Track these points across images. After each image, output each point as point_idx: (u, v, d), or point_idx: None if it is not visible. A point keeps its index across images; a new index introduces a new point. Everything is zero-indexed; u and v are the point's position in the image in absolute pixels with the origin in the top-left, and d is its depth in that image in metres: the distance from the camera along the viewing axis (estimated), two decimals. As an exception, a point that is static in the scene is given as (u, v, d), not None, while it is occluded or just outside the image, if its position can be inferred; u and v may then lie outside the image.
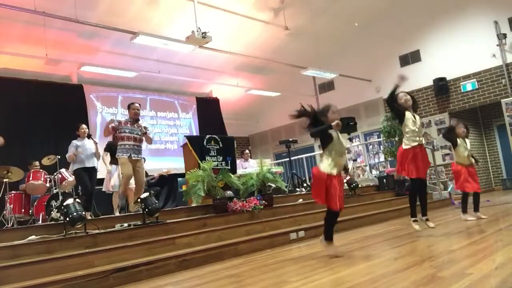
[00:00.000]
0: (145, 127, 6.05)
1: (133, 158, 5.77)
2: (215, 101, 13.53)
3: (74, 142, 6.43)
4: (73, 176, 6.61)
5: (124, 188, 5.95)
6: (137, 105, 6.04)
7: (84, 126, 6.61)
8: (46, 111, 9.25)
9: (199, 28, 7.60)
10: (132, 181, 6.03)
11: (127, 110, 6.16)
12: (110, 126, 5.85)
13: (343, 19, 11.79)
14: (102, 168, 7.29)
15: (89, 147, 6.43)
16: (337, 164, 3.65)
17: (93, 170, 6.47)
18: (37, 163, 7.35)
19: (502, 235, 3.86)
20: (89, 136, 6.53)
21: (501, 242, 3.49)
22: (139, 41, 7.89)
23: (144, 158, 8.62)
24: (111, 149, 6.82)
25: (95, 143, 6.52)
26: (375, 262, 3.27)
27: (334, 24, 11.88)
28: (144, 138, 5.97)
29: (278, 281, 2.93)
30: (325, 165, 3.63)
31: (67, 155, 6.42)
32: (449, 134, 5.50)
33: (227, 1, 9.77)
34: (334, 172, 3.60)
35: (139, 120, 6.02)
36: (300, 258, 3.88)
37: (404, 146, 4.54)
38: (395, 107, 4.56)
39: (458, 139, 5.44)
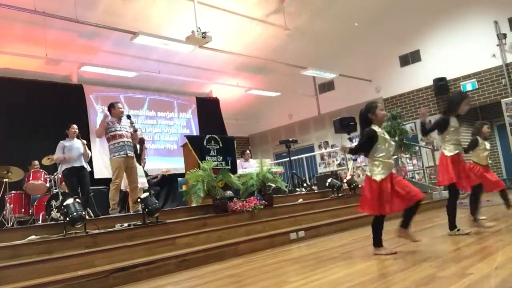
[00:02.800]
0: (131, 122, 5.95)
1: (129, 155, 5.72)
2: (215, 101, 13.53)
3: (62, 142, 6.28)
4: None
5: (116, 195, 5.75)
6: (120, 104, 6.02)
7: (75, 126, 6.43)
8: (46, 111, 9.24)
9: (199, 28, 7.60)
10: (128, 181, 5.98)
11: (108, 110, 6.01)
12: (107, 120, 5.78)
13: (343, 19, 11.79)
14: (101, 168, 7.26)
15: (77, 147, 6.29)
16: (386, 168, 3.47)
17: (82, 169, 6.28)
18: (37, 163, 7.35)
19: (502, 235, 3.86)
20: (78, 137, 6.39)
21: (501, 242, 3.49)
22: (139, 41, 7.89)
23: (144, 158, 8.64)
24: None
25: (84, 144, 6.38)
26: (375, 262, 3.27)
27: (334, 24, 11.88)
28: (131, 135, 5.88)
29: (278, 281, 2.93)
30: (373, 171, 3.48)
31: (54, 156, 6.30)
32: (473, 141, 5.36)
33: (227, 1, 9.77)
34: (384, 176, 3.44)
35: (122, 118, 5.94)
36: (300, 258, 3.88)
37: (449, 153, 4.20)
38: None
39: (479, 139, 5.35)
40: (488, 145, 5.46)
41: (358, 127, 3.84)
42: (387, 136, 3.57)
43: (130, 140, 5.86)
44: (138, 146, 6.66)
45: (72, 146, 6.27)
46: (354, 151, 3.86)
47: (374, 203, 3.45)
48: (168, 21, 9.60)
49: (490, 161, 10.82)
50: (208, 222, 5.25)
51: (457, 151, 4.12)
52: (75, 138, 6.39)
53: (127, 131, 5.85)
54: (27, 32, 8.47)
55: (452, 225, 4.10)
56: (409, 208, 3.47)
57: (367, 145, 3.53)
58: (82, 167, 6.30)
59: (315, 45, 11.72)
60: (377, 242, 3.54)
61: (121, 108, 5.93)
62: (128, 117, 5.98)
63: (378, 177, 3.44)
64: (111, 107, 5.94)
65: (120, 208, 6.63)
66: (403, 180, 3.54)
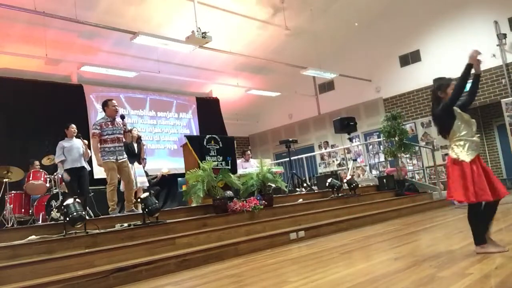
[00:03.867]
0: (124, 124, 5.73)
1: (120, 161, 5.52)
2: (215, 101, 13.53)
3: (62, 143, 6.22)
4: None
5: (114, 196, 5.59)
6: (115, 102, 5.73)
7: (73, 126, 6.36)
8: (46, 111, 9.24)
9: (199, 28, 7.60)
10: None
11: (102, 109, 5.77)
12: (96, 138, 5.49)
13: (343, 19, 11.80)
14: (100, 168, 7.22)
15: (77, 147, 6.24)
16: (472, 147, 3.05)
17: (82, 170, 6.25)
18: (37, 163, 7.35)
19: (502, 235, 3.86)
20: (77, 136, 6.35)
21: (501, 242, 3.49)
22: (139, 41, 7.89)
23: (145, 158, 8.63)
24: (128, 149, 6.58)
25: (84, 144, 6.32)
26: (375, 262, 3.27)
27: (334, 24, 11.88)
28: (124, 136, 5.68)
29: (278, 281, 2.93)
30: (459, 153, 3.04)
31: (55, 159, 6.24)
32: None
33: (227, 1, 9.77)
34: (472, 157, 3.02)
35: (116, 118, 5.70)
36: (300, 258, 3.88)
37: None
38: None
39: None
40: None
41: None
42: (463, 113, 3.16)
43: (121, 144, 5.62)
44: (135, 146, 6.60)
45: (71, 147, 6.24)
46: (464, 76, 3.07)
47: (468, 188, 2.97)
48: (168, 21, 9.60)
49: (490, 162, 10.78)
50: (208, 222, 5.24)
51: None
52: (75, 138, 6.36)
53: (120, 133, 5.61)
54: (27, 32, 8.47)
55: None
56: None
57: (447, 118, 3.11)
58: (82, 167, 6.29)
59: (315, 45, 11.72)
60: (479, 238, 3.06)
61: (115, 107, 5.65)
62: (122, 117, 5.74)
63: (467, 158, 3.02)
64: (105, 105, 5.66)
65: (119, 208, 6.63)
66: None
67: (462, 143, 3.08)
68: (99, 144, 5.49)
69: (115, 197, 5.56)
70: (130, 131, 5.87)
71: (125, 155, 5.71)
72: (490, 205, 3.07)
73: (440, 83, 3.19)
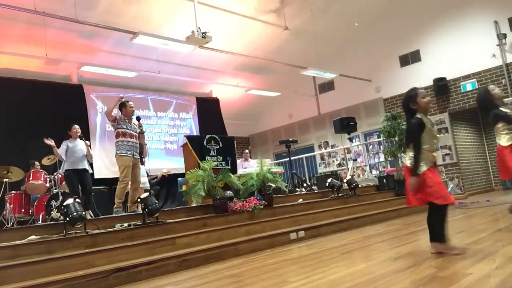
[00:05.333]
0: (139, 125, 5.91)
1: (135, 157, 5.70)
2: (215, 101, 13.53)
3: (66, 142, 6.27)
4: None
5: (123, 194, 5.69)
6: (131, 103, 5.94)
7: (76, 126, 6.41)
8: (46, 111, 9.24)
9: (199, 28, 7.60)
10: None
11: (119, 109, 5.89)
12: (118, 115, 5.70)
13: (343, 19, 11.80)
14: (101, 168, 7.25)
15: (80, 148, 6.27)
16: (428, 159, 3.18)
17: (85, 172, 6.29)
18: (37, 163, 7.35)
19: (502, 235, 3.86)
20: (81, 137, 6.38)
21: (501, 242, 3.49)
22: (139, 41, 7.89)
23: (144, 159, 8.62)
24: None
25: (87, 145, 6.37)
26: (375, 262, 3.27)
27: (334, 24, 11.88)
28: (138, 136, 5.84)
29: (278, 281, 2.93)
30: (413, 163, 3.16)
31: (58, 150, 6.23)
32: None
33: (227, 1, 9.77)
34: (425, 168, 3.14)
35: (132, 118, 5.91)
36: (300, 258, 3.88)
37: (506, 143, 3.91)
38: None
39: None
40: None
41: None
42: (432, 128, 3.26)
43: (137, 141, 5.82)
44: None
45: (75, 148, 6.27)
46: (417, 166, 3.17)
47: (416, 194, 3.16)
48: (168, 21, 9.60)
49: (490, 161, 10.74)
50: (208, 222, 5.25)
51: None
52: (78, 139, 6.37)
53: (135, 132, 5.81)
54: (27, 32, 8.47)
55: None
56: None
57: (419, 130, 3.19)
58: (85, 169, 6.30)
59: (315, 45, 11.72)
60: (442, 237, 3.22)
61: (132, 108, 5.85)
62: (138, 118, 5.93)
63: (420, 170, 3.14)
64: (122, 106, 5.82)
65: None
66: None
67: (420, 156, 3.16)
68: (117, 137, 5.66)
69: (123, 196, 5.65)
70: (143, 133, 5.94)
71: (139, 154, 5.83)
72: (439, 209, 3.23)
73: (410, 95, 3.30)
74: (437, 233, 3.23)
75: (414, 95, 3.26)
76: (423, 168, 3.15)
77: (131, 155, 5.65)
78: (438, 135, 3.33)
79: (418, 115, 3.23)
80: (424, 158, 3.17)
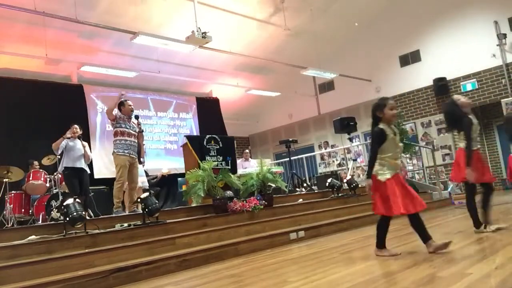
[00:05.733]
0: (138, 123, 5.91)
1: (132, 156, 5.69)
2: (215, 101, 13.53)
3: (66, 140, 6.29)
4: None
5: (120, 193, 5.72)
6: (130, 102, 5.94)
7: (76, 126, 6.43)
8: (46, 111, 9.24)
9: (199, 28, 7.60)
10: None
11: (118, 108, 5.88)
12: (117, 114, 5.68)
13: (343, 19, 11.80)
14: (100, 168, 7.23)
15: (79, 148, 6.30)
16: (391, 167, 3.33)
17: (83, 171, 6.30)
18: (36, 163, 7.35)
19: (502, 235, 3.86)
20: (79, 138, 6.39)
21: (501, 242, 3.49)
22: (139, 41, 7.89)
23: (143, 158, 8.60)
24: None
25: (83, 146, 6.36)
26: (375, 262, 3.27)
27: (334, 24, 11.88)
28: (137, 135, 5.85)
29: (278, 281, 2.93)
30: (378, 170, 3.34)
31: (54, 143, 6.24)
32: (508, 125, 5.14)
33: (227, 1, 9.77)
34: (389, 176, 3.30)
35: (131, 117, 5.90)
36: (300, 258, 3.88)
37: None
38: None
39: None
40: None
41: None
42: (396, 136, 3.42)
43: (136, 141, 5.81)
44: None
45: (74, 147, 6.29)
46: (370, 170, 3.40)
47: (379, 203, 3.34)
48: (168, 21, 9.60)
49: (490, 162, 10.78)
50: (208, 222, 5.24)
51: (475, 148, 4.01)
52: (77, 139, 6.38)
53: (134, 131, 5.82)
54: (27, 32, 8.47)
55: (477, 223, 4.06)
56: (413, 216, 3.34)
57: (379, 140, 3.36)
58: (83, 169, 6.30)
59: (315, 45, 11.72)
60: (382, 243, 3.44)
61: (131, 106, 5.85)
62: (136, 117, 5.92)
63: (383, 178, 3.32)
64: (121, 104, 5.83)
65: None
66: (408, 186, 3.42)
67: (383, 162, 3.35)
68: (115, 136, 5.66)
69: (121, 195, 5.65)
70: (142, 131, 5.93)
71: (136, 154, 5.82)
72: (411, 217, 3.36)
73: (379, 103, 3.42)
74: (380, 239, 3.44)
75: (382, 105, 3.40)
76: (387, 175, 3.31)
77: (128, 154, 5.64)
78: (400, 144, 3.51)
79: (381, 125, 3.39)
80: (388, 165, 3.33)
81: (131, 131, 5.76)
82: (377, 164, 3.36)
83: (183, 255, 4.02)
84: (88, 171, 6.58)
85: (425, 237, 3.33)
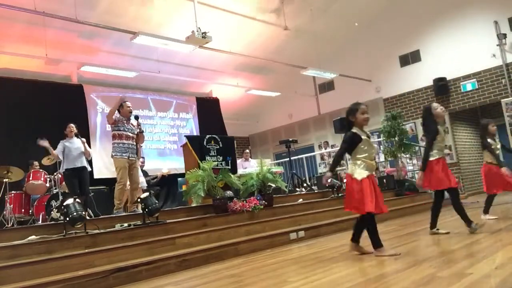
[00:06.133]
0: (138, 124, 5.90)
1: (131, 159, 5.68)
2: (215, 101, 13.53)
3: (62, 142, 6.28)
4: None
5: (122, 195, 5.69)
6: (129, 103, 5.91)
7: (71, 125, 6.41)
8: (46, 111, 9.23)
9: (199, 28, 7.60)
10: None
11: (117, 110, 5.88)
12: (115, 117, 5.66)
13: (343, 19, 11.80)
14: (101, 168, 7.23)
15: (77, 147, 6.29)
16: (367, 168, 3.52)
17: (83, 169, 6.30)
18: (36, 163, 7.35)
19: (502, 235, 3.86)
20: (76, 135, 6.37)
21: (501, 242, 3.49)
22: (139, 41, 7.89)
23: (144, 158, 8.62)
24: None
25: (83, 142, 6.35)
26: (375, 262, 3.27)
27: (334, 24, 11.88)
28: (137, 136, 5.84)
29: (278, 281, 2.93)
30: (354, 171, 3.53)
31: (54, 152, 6.26)
32: (483, 132, 5.40)
33: (227, 1, 9.77)
34: (365, 176, 3.48)
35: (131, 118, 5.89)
36: (300, 258, 3.88)
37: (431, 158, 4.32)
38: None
39: (489, 139, 5.33)
40: (498, 144, 5.43)
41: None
42: (369, 139, 3.62)
43: (134, 143, 5.79)
44: None
45: (72, 146, 6.27)
46: (334, 165, 3.75)
47: (356, 201, 3.46)
48: (168, 21, 9.60)
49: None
50: (208, 222, 5.24)
51: (439, 157, 4.27)
52: (74, 137, 6.37)
53: (133, 132, 5.79)
54: (27, 32, 8.47)
55: (433, 224, 4.36)
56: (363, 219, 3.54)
57: (347, 151, 3.59)
58: (84, 167, 6.30)
59: (315, 45, 11.72)
60: (378, 242, 3.49)
61: (129, 107, 5.84)
62: (136, 117, 5.90)
63: (359, 176, 3.47)
64: (120, 106, 5.83)
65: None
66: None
67: (359, 162, 3.52)
68: (113, 139, 5.67)
69: (122, 196, 5.64)
70: (142, 132, 5.91)
71: (136, 155, 5.79)
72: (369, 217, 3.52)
73: (352, 108, 3.60)
74: (373, 240, 3.51)
75: (355, 109, 3.58)
76: (364, 175, 3.46)
77: (126, 157, 5.64)
78: (375, 146, 3.72)
79: (354, 129, 3.56)
80: (366, 166, 3.50)
81: (129, 134, 5.73)
82: (355, 165, 3.54)
83: (183, 255, 4.02)
84: (89, 168, 6.58)
85: (358, 237, 3.62)
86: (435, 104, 4.45)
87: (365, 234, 3.56)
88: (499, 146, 5.45)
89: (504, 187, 5.23)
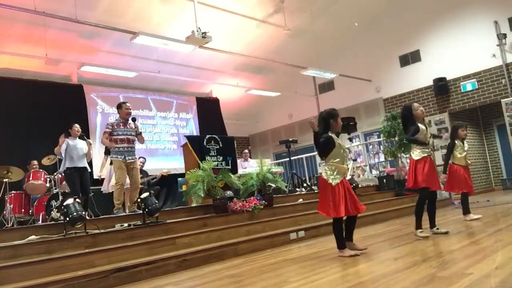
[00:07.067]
0: (135, 126, 5.89)
1: (128, 161, 5.66)
2: (215, 101, 13.53)
3: (67, 140, 6.25)
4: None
5: (120, 195, 5.71)
6: (128, 104, 5.92)
7: (77, 125, 6.39)
8: (46, 111, 9.23)
9: (199, 28, 7.60)
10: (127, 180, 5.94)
11: (116, 110, 5.98)
12: (106, 135, 5.68)
13: (343, 19, 11.79)
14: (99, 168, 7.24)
15: (80, 147, 6.25)
16: (340, 173, 3.68)
17: (85, 170, 6.27)
18: (35, 162, 7.34)
19: (502, 235, 3.86)
20: (81, 137, 6.36)
21: (501, 242, 3.49)
22: (139, 41, 7.88)
23: (144, 158, 8.62)
24: (109, 151, 6.64)
25: (89, 144, 6.33)
26: (375, 262, 3.27)
27: (334, 24, 11.88)
28: (137, 138, 5.85)
29: (278, 281, 2.93)
30: (329, 176, 3.67)
31: (56, 148, 6.25)
32: (453, 133, 5.56)
33: (227, 1, 9.77)
34: (338, 181, 3.64)
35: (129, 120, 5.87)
36: (300, 258, 3.88)
37: (416, 157, 4.37)
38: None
39: (456, 141, 5.49)
40: (466, 147, 5.58)
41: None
42: (342, 143, 3.78)
43: (132, 145, 5.78)
44: None
45: (75, 146, 6.26)
46: (316, 140, 3.81)
47: (328, 205, 3.60)
48: (168, 21, 9.60)
49: (490, 161, 10.75)
50: (208, 222, 5.25)
51: (424, 155, 4.31)
52: (78, 138, 6.36)
53: (131, 134, 5.78)
54: (27, 32, 8.46)
55: (418, 225, 4.34)
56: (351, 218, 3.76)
57: (327, 147, 3.70)
58: (85, 167, 6.30)
59: (315, 45, 11.72)
60: (342, 243, 3.70)
61: (128, 109, 5.83)
62: (133, 119, 5.90)
63: (333, 182, 3.62)
64: (118, 107, 5.86)
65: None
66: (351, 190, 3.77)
67: (333, 167, 3.67)
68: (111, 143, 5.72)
69: (121, 197, 5.66)
70: (140, 134, 5.90)
71: (135, 156, 5.81)
72: (351, 218, 3.79)
73: (331, 113, 3.82)
74: (338, 241, 3.75)
75: (336, 115, 3.82)
76: (337, 180, 3.63)
77: (122, 159, 5.62)
78: (347, 150, 3.89)
79: (329, 133, 3.73)
80: (338, 171, 3.66)
81: (124, 137, 5.70)
82: (329, 170, 3.68)
83: (183, 255, 4.03)
84: (89, 170, 6.59)
85: (350, 236, 3.81)
86: (415, 105, 4.55)
87: (356, 231, 3.77)
88: (466, 148, 5.58)
89: (464, 188, 5.42)
